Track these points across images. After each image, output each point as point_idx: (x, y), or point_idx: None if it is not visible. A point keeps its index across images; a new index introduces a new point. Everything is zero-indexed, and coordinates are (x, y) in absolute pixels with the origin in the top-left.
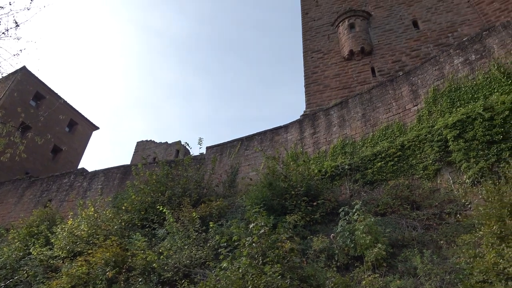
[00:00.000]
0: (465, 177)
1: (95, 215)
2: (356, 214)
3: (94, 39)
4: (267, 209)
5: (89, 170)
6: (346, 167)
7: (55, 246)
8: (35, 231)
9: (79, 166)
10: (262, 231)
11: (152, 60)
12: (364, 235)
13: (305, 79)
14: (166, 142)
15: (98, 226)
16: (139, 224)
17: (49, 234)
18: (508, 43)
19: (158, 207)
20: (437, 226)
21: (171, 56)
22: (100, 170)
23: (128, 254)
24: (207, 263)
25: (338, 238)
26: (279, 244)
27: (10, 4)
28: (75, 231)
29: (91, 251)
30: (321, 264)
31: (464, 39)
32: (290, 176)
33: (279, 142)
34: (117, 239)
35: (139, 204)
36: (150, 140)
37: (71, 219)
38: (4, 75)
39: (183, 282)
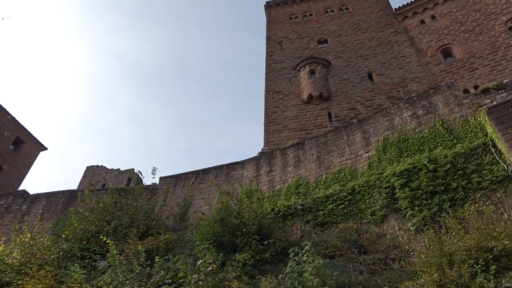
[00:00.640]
0: (409, 224)
1: (31, 242)
2: (305, 255)
3: (54, 58)
4: (217, 246)
5: (31, 192)
6: (299, 207)
7: None
8: None
9: (21, 188)
10: (210, 268)
11: (112, 84)
12: (312, 277)
13: (265, 117)
14: (118, 169)
15: (33, 255)
16: (79, 255)
17: None
18: (451, 102)
19: (101, 237)
20: (382, 271)
21: (132, 82)
22: (43, 193)
23: (63, 287)
24: None
25: (286, 279)
26: (227, 283)
27: None
28: (6, 258)
29: (21, 282)
30: None
31: (413, 95)
32: (243, 213)
33: (234, 178)
34: (52, 269)
35: (81, 233)
36: (101, 166)
37: (3, 245)
38: None
39: None
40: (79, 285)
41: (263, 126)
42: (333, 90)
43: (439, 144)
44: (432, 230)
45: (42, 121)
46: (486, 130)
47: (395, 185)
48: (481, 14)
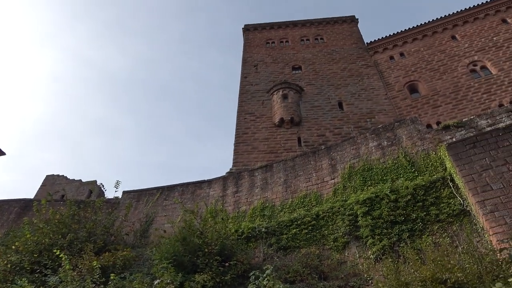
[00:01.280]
0: (369, 252)
1: None
2: (266, 279)
3: (20, 61)
4: (177, 265)
5: None
6: (263, 230)
7: None
8: None
9: None
10: None
11: (82, 92)
12: None
13: (235, 138)
14: (80, 180)
15: None
16: (28, 268)
17: None
18: (414, 136)
19: (55, 250)
20: None
21: (103, 91)
22: None
23: None
24: None
25: None
26: None
27: None
28: None
29: None
30: None
31: (379, 126)
32: (206, 233)
33: (200, 196)
34: None
35: (33, 245)
36: (62, 175)
37: None
38: None
39: None
40: None
41: (233, 146)
42: (304, 115)
43: (401, 175)
44: (390, 260)
45: (3, 126)
46: (445, 164)
47: (358, 213)
48: (445, 55)
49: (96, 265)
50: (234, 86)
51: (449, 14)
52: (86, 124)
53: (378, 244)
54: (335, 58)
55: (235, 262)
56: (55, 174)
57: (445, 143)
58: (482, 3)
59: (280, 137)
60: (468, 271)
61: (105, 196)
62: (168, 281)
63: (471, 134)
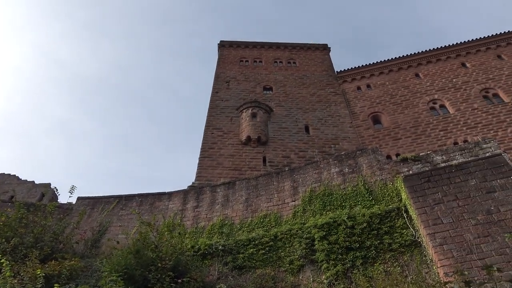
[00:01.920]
0: (323, 277)
1: None
2: None
3: None
4: (127, 279)
5: None
6: (220, 247)
7: None
8: None
9: None
10: None
11: (46, 90)
12: None
13: (201, 152)
14: (33, 182)
15: None
16: None
17: None
18: (374, 165)
19: None
20: None
21: (69, 92)
22: None
23: None
24: None
25: None
26: None
27: None
28: None
29: None
30: None
31: (342, 153)
32: (161, 247)
33: (159, 209)
34: None
35: None
36: (13, 175)
37: None
38: None
39: None
40: None
41: (198, 160)
42: (271, 136)
43: (360, 203)
44: (342, 286)
45: None
46: (401, 195)
47: (315, 237)
48: (408, 91)
49: (40, 273)
50: (204, 99)
51: (414, 53)
52: (47, 124)
53: (332, 269)
54: (305, 82)
55: (188, 279)
56: (5, 173)
57: (402, 175)
58: (445, 46)
59: (246, 155)
60: None
61: (58, 200)
62: None
63: (427, 169)
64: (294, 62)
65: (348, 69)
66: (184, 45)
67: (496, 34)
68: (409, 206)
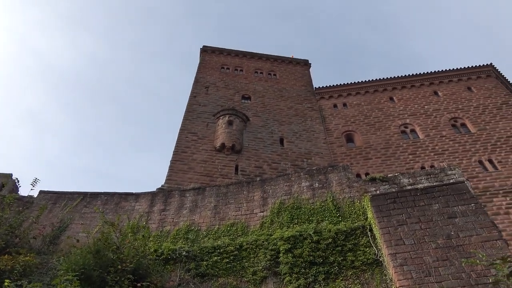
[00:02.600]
0: None
1: None
2: None
3: None
4: (84, 279)
5: None
6: (184, 253)
7: None
8: None
9: None
10: None
11: (17, 79)
12: None
13: (173, 155)
14: None
15: None
16: None
17: None
18: (343, 183)
19: None
20: None
21: (41, 83)
22: None
23: None
24: None
25: None
26: None
27: None
28: None
29: None
30: None
31: (313, 168)
32: (122, 248)
33: (124, 209)
34: None
35: None
36: None
37: None
38: None
39: None
40: None
41: (170, 163)
42: (245, 145)
43: (327, 218)
44: None
45: None
46: (367, 214)
47: (281, 249)
48: (382, 113)
49: None
50: (181, 103)
51: (390, 77)
52: (15, 113)
53: (295, 283)
54: (284, 95)
55: (148, 283)
56: None
57: (369, 194)
58: (420, 73)
59: (219, 162)
60: None
61: (19, 192)
62: None
63: (394, 190)
64: (275, 74)
65: (326, 86)
66: (165, 46)
67: (468, 67)
68: (373, 225)
